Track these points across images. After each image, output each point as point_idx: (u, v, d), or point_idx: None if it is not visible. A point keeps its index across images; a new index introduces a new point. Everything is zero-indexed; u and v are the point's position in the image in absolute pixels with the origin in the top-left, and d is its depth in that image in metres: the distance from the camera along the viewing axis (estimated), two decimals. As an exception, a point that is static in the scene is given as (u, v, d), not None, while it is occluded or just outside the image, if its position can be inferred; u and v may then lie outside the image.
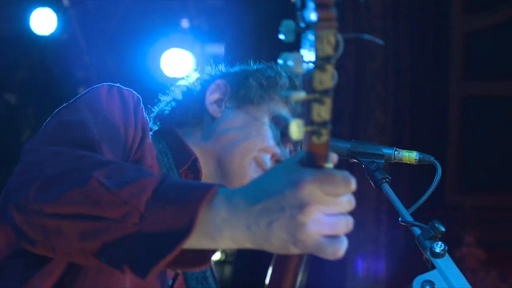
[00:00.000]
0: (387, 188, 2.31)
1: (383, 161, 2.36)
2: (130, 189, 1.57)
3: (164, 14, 6.81)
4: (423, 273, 2.10)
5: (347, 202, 1.46)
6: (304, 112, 1.42)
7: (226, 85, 2.57)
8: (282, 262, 1.62)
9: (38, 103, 7.44)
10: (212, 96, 2.56)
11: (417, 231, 2.18)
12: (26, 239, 1.70)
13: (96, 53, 7.09)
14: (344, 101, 8.06)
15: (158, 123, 2.61)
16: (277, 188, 1.46)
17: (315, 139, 1.39)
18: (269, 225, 1.45)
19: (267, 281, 1.65)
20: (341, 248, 1.44)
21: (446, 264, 2.09)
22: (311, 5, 1.34)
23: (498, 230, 8.09)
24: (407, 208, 2.28)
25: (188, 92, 2.62)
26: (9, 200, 1.74)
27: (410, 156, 2.36)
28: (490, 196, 8.63)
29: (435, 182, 2.29)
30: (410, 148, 2.41)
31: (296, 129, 1.38)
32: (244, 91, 2.54)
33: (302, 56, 1.37)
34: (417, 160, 2.37)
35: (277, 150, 2.49)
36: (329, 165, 1.45)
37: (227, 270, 8.63)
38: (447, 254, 2.11)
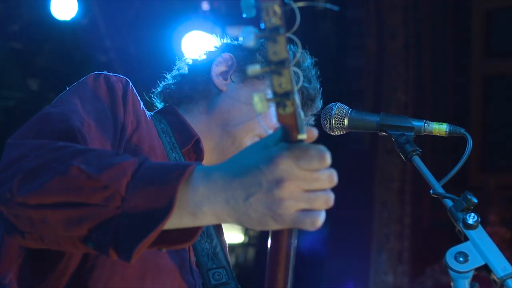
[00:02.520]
0: (417, 160, 2.28)
1: (413, 133, 2.33)
2: (110, 173, 1.58)
3: (184, -3, 6.80)
4: (456, 245, 2.08)
5: (327, 178, 1.47)
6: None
7: (232, 58, 2.57)
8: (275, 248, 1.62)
9: (59, 88, 7.42)
10: (218, 69, 2.56)
11: (449, 203, 2.16)
12: (16, 231, 1.70)
13: (117, 37, 7.08)
14: (365, 81, 8.02)
15: (163, 99, 2.62)
16: (253, 163, 1.47)
17: (281, 110, 1.40)
18: (246, 199, 1.47)
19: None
20: (319, 219, 1.46)
21: (479, 236, 2.06)
22: None
23: (523, 209, 8.06)
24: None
25: (194, 65, 2.62)
26: None
27: (440, 128, 2.34)
28: (514, 175, 8.58)
29: (466, 153, 2.26)
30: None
31: (258, 102, 1.38)
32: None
33: (253, 29, 1.35)
34: (447, 132, 2.34)
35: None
36: (303, 136, 1.45)
37: (251, 252, 8.66)
38: (480, 225, 2.08)
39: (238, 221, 1.51)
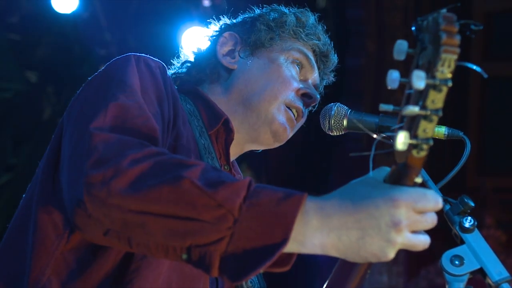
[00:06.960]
0: (415, 163, 2.27)
1: (412, 135, 2.33)
2: (224, 193, 1.58)
3: (185, -8, 6.80)
4: (452, 248, 2.08)
5: (431, 219, 1.57)
6: (409, 124, 1.50)
7: (235, 35, 2.57)
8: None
9: (58, 81, 7.46)
10: (223, 49, 2.56)
11: (446, 206, 2.16)
12: (97, 227, 1.68)
13: (117, 31, 7.08)
14: (365, 82, 8.02)
15: (178, 83, 2.59)
16: (371, 203, 1.54)
17: (415, 152, 1.49)
18: (361, 239, 1.53)
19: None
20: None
21: (476, 239, 2.07)
22: (437, 30, 1.44)
23: (519, 212, 8.06)
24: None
25: (198, 50, 2.62)
26: (76, 188, 1.70)
27: (439, 131, 2.33)
28: (511, 177, 8.58)
29: (464, 157, 2.26)
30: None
31: (402, 141, 1.46)
32: (253, 37, 2.53)
33: (425, 75, 1.44)
34: (445, 135, 2.33)
35: (299, 85, 2.50)
36: (420, 179, 1.55)
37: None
38: (476, 229, 2.09)
39: (342, 254, 1.57)
